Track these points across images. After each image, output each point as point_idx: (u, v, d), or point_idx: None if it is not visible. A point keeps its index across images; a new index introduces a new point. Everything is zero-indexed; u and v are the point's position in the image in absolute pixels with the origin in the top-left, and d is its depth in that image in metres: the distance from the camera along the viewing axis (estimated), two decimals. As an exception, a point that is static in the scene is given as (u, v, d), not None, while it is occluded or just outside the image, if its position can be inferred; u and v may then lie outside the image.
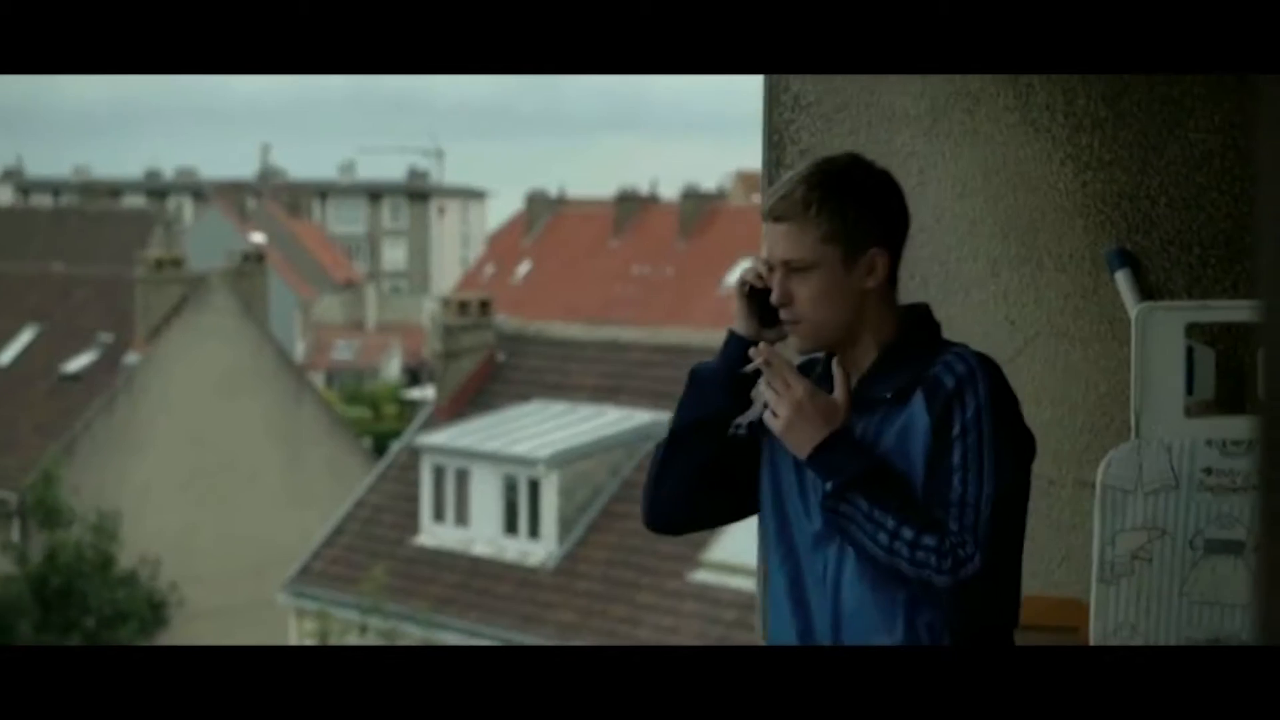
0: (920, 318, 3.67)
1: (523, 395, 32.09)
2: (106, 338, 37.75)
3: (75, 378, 37.07)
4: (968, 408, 3.49)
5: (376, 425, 51.92)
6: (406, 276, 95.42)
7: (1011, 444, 3.50)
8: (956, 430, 3.48)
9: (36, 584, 31.07)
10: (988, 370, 3.54)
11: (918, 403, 3.53)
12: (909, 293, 4.38)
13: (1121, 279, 4.25)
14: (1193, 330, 4.10)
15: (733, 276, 54.27)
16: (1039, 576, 4.29)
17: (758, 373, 3.67)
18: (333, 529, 32.32)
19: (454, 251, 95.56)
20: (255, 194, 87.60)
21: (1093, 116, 4.31)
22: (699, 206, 61.19)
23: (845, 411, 3.58)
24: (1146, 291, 4.23)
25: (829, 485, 3.54)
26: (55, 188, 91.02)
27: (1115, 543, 4.05)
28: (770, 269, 3.62)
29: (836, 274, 3.57)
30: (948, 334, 4.43)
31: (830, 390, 3.64)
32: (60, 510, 32.20)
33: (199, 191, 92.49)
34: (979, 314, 4.39)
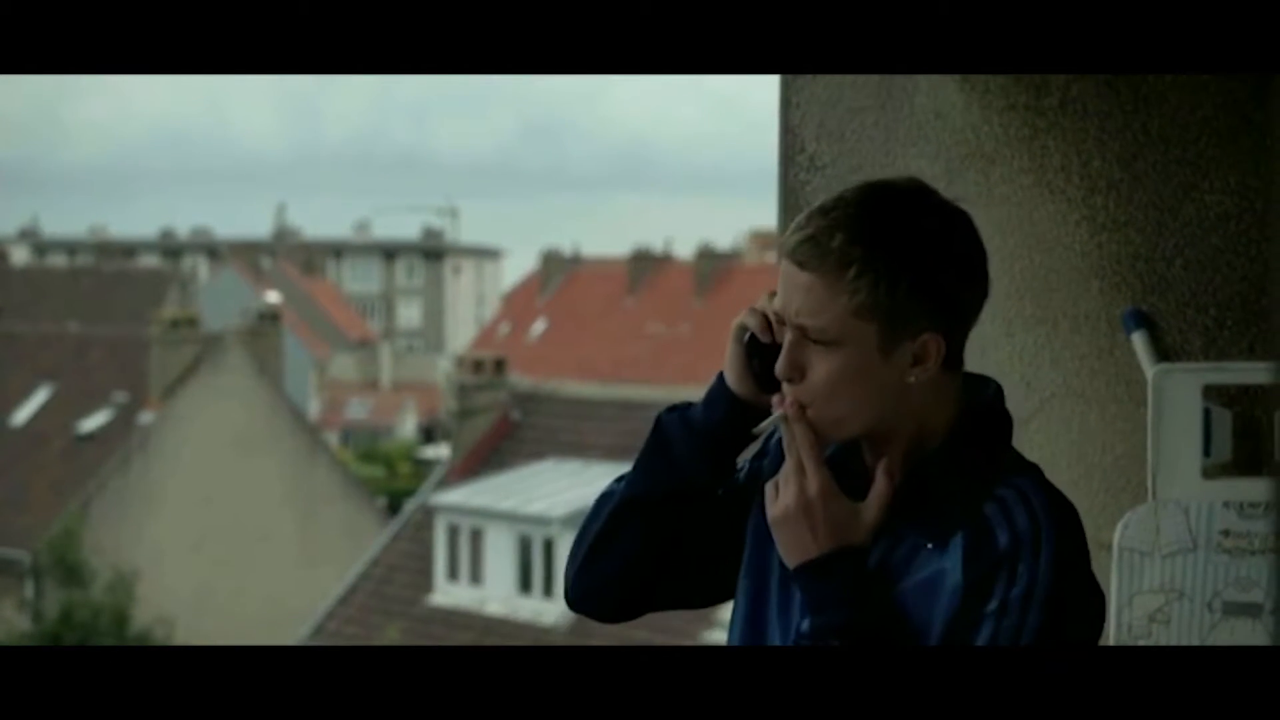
0: (985, 413, 2.75)
1: (537, 454, 32.07)
2: (121, 397, 37.78)
3: (90, 437, 37.09)
4: (1018, 581, 2.60)
5: (391, 484, 51.87)
6: (421, 335, 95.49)
7: (1064, 632, 2.63)
8: (994, 605, 2.60)
9: (50, 643, 31.05)
10: (1057, 529, 2.64)
11: (955, 551, 2.63)
12: (924, 354, 4.37)
13: (1138, 340, 4.24)
14: (1210, 392, 4.09)
15: (747, 335, 54.34)
16: (1056, 639, 4.27)
17: (748, 439, 2.82)
18: (347, 588, 32.28)
19: (469, 310, 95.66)
20: (270, 253, 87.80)
21: (1108, 178, 4.31)
22: (713, 265, 61.26)
23: (867, 530, 2.69)
24: (1163, 353, 4.22)
25: (806, 623, 2.69)
26: (71, 247, 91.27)
27: (1132, 605, 4.03)
28: (781, 322, 2.70)
29: (868, 358, 2.64)
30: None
31: (847, 483, 2.71)
32: (79, 569, 32.21)
33: (214, 251, 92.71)
34: (995, 375, 4.37)
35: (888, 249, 2.62)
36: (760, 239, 68.92)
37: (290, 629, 32.40)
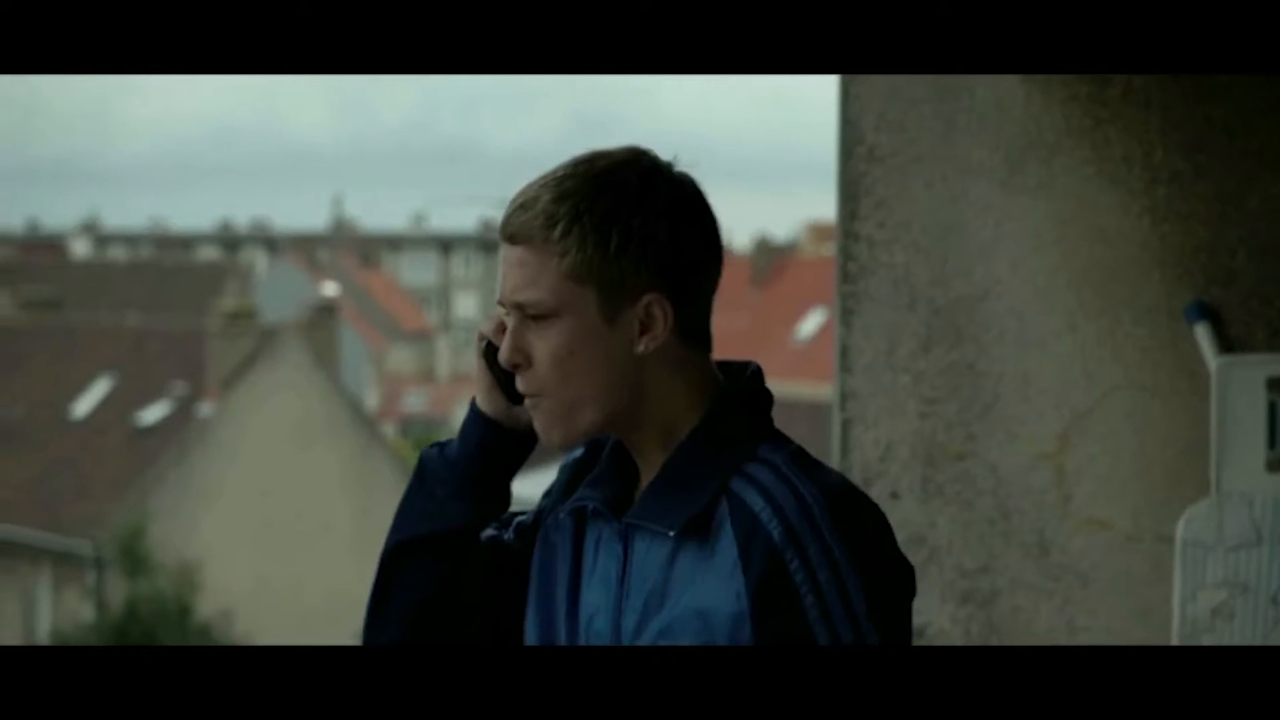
0: (740, 392, 2.58)
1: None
2: (180, 389, 37.99)
3: (150, 429, 37.30)
4: (817, 569, 2.42)
5: (448, 476, 51.90)
6: (478, 327, 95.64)
7: (896, 612, 2.48)
8: (809, 602, 2.42)
9: (116, 636, 31.24)
10: (828, 498, 2.46)
11: (726, 539, 2.47)
12: (984, 347, 4.35)
13: (1201, 332, 4.22)
14: (1274, 384, 4.07)
15: (806, 327, 54.32)
16: (1118, 634, 4.25)
17: (513, 465, 2.67)
18: (405, 580, 32.36)
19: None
20: (327, 245, 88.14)
21: (1170, 169, 4.29)
22: (770, 257, 61.24)
23: None
24: (1226, 345, 4.20)
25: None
26: (131, 240, 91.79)
27: (1196, 599, 4.01)
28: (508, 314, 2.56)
29: (591, 327, 2.50)
30: (1024, 387, 4.40)
31: (620, 490, 2.58)
32: (146, 561, 32.42)
33: (272, 243, 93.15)
34: (1056, 368, 4.37)
35: (594, 204, 2.48)
36: (818, 231, 68.89)
37: (349, 621, 32.52)
